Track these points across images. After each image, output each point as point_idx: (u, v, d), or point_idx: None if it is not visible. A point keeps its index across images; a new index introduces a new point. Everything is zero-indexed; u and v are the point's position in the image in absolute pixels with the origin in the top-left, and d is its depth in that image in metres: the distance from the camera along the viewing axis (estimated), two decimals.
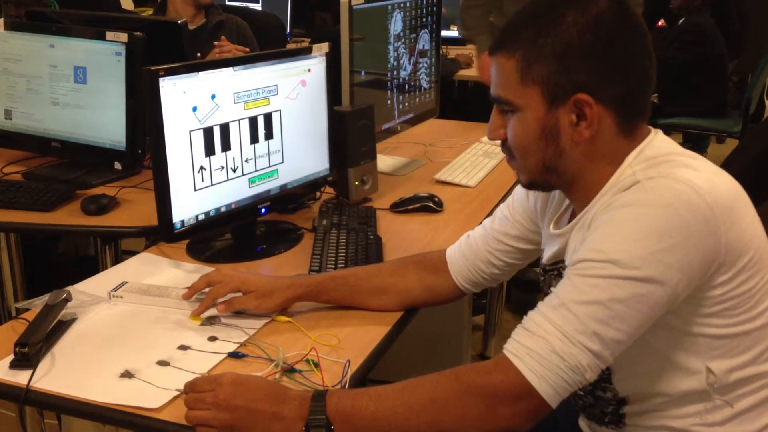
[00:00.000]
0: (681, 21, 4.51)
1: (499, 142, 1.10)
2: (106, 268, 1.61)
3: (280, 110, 1.60)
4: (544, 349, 0.93)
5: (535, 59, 1.01)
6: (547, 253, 1.17)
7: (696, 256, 0.94)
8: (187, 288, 1.34)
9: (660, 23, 5.13)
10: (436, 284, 1.33)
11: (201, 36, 2.84)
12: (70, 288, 1.32)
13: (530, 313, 0.98)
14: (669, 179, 0.96)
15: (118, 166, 1.93)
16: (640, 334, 0.96)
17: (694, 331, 1.00)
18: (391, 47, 2.07)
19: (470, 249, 1.31)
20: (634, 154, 1.03)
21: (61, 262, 2.89)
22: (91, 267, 1.79)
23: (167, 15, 2.89)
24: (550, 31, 1.00)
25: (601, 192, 1.03)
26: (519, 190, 1.28)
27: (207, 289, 1.30)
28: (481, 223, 1.36)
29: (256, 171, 1.58)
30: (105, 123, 1.92)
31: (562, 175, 1.06)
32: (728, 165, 2.30)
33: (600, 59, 1.00)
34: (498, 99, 1.07)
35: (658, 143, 1.04)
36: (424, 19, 2.24)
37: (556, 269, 1.15)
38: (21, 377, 1.10)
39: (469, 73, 4.08)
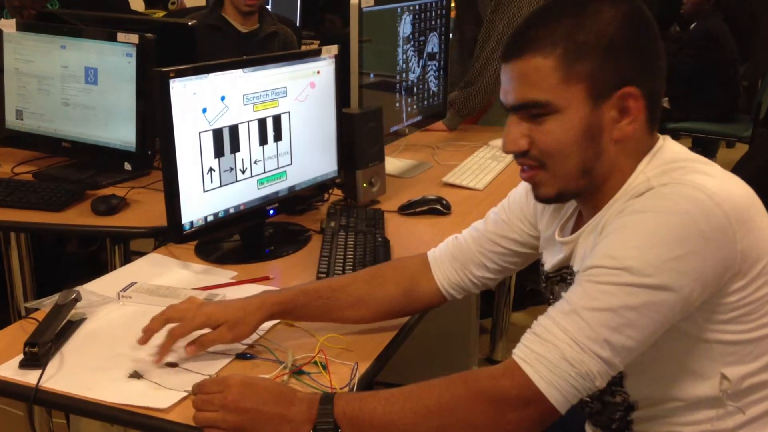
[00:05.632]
0: (693, 25, 4.50)
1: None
2: (114, 269, 1.62)
3: (289, 112, 1.60)
4: (554, 355, 0.92)
5: (579, 56, 0.98)
6: (551, 262, 1.15)
7: (711, 264, 0.92)
8: (197, 288, 1.34)
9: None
10: (415, 290, 1.27)
11: (251, 42, 2.76)
12: (79, 288, 1.33)
13: (540, 318, 0.97)
14: (684, 186, 0.94)
15: (127, 166, 1.93)
16: (652, 341, 0.95)
17: (708, 338, 0.99)
18: (400, 50, 2.07)
19: (461, 251, 1.26)
20: (647, 159, 1.02)
21: (68, 263, 2.90)
22: (98, 265, 1.80)
23: (223, 11, 2.80)
24: (590, 26, 0.98)
25: (614, 198, 1.02)
26: (516, 191, 1.25)
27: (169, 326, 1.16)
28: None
29: (264, 173, 1.58)
30: (115, 124, 1.93)
31: (596, 178, 1.03)
32: (738, 170, 2.29)
33: (640, 52, 0.99)
34: (528, 103, 1.01)
35: (670, 148, 1.03)
36: (433, 22, 2.24)
37: (559, 275, 1.13)
38: (30, 377, 1.11)
39: None
